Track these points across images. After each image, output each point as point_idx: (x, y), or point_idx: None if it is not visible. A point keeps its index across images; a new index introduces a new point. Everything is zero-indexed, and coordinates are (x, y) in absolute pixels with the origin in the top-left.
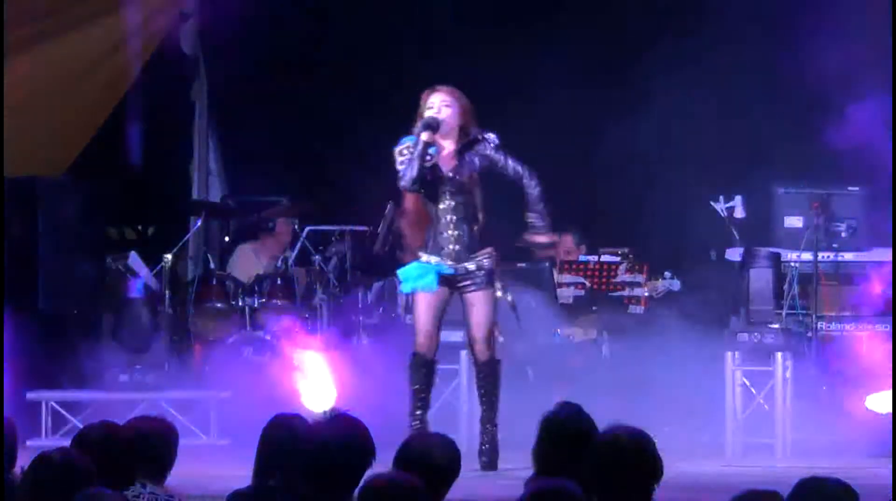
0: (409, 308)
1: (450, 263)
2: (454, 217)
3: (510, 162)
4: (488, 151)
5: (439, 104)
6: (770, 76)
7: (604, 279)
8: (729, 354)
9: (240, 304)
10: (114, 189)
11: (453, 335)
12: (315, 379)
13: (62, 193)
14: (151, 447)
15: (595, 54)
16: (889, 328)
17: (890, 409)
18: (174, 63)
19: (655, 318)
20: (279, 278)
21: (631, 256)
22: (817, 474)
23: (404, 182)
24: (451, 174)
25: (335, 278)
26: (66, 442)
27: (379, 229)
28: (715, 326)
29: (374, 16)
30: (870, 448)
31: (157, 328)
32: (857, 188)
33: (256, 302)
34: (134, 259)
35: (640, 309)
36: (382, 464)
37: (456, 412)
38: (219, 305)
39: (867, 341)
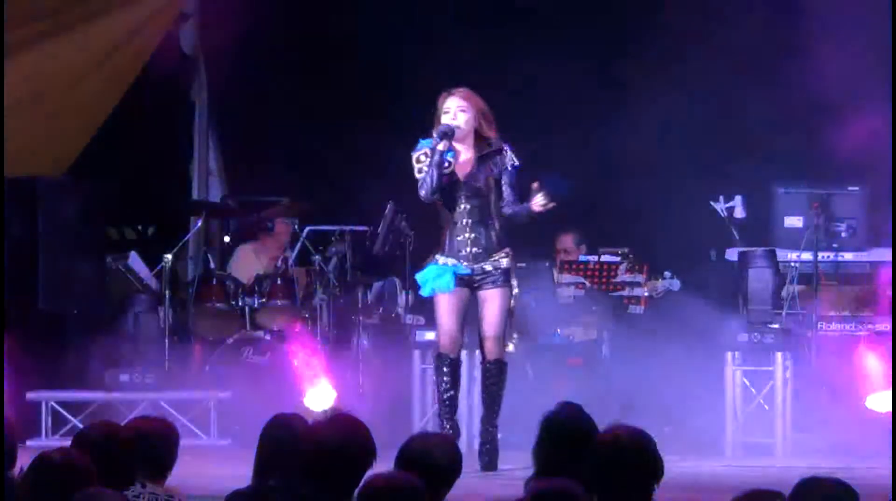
0: (410, 308)
1: (466, 264)
2: (470, 220)
3: (509, 187)
4: (507, 164)
5: (455, 109)
6: (770, 76)
7: (604, 279)
8: (729, 354)
9: (240, 304)
10: (114, 189)
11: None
12: (315, 379)
13: (62, 193)
14: (151, 447)
15: (595, 54)
16: (889, 328)
17: (890, 409)
18: (174, 63)
19: (655, 318)
20: (279, 278)
21: (631, 256)
22: (817, 474)
23: (424, 192)
24: (467, 178)
25: (335, 278)
26: (66, 442)
27: (379, 229)
28: (715, 326)
29: (374, 16)
30: (870, 448)
31: (157, 329)
32: (857, 188)
33: (256, 302)
34: (134, 259)
35: (640, 309)
36: (383, 464)
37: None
38: (219, 305)
39: (867, 341)
